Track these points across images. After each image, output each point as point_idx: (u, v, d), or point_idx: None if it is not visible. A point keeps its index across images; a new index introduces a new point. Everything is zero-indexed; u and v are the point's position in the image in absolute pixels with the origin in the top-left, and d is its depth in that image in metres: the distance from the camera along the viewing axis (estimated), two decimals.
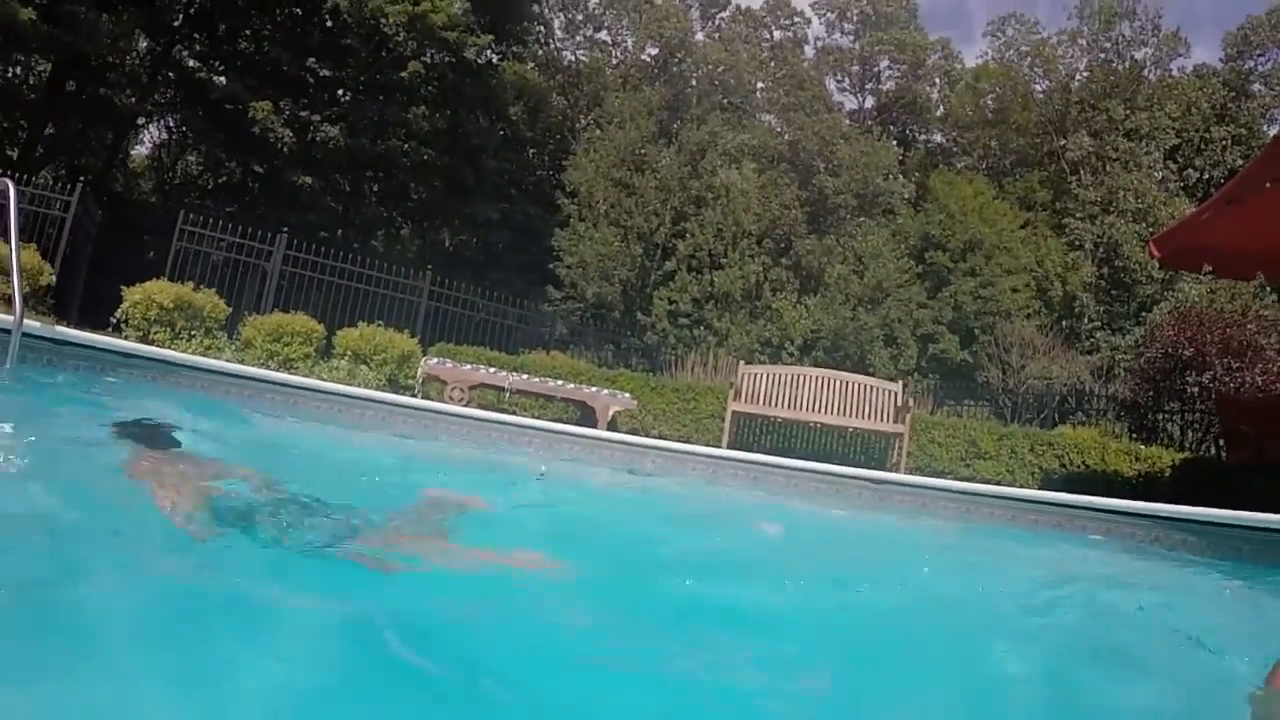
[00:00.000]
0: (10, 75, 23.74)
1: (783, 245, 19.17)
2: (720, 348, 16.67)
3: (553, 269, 19.52)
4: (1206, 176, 21.56)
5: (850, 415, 9.87)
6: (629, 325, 18.99)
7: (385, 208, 24.34)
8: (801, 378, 10.48)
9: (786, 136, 21.87)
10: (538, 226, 21.95)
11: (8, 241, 4.43)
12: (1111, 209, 19.62)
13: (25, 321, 4.70)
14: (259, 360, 11.25)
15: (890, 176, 21.16)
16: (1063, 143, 21.43)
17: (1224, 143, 21.69)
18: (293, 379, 7.96)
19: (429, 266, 15.09)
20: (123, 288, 11.27)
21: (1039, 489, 7.94)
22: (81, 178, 20.69)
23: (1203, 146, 21.92)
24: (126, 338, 10.63)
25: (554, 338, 18.59)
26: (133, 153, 28.29)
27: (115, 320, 11.01)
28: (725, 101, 22.69)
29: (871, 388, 10.23)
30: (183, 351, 10.47)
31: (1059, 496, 5.80)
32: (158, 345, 10.44)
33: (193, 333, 11.31)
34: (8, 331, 4.49)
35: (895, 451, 9.35)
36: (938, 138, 26.38)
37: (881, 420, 9.69)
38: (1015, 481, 8.91)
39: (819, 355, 17.00)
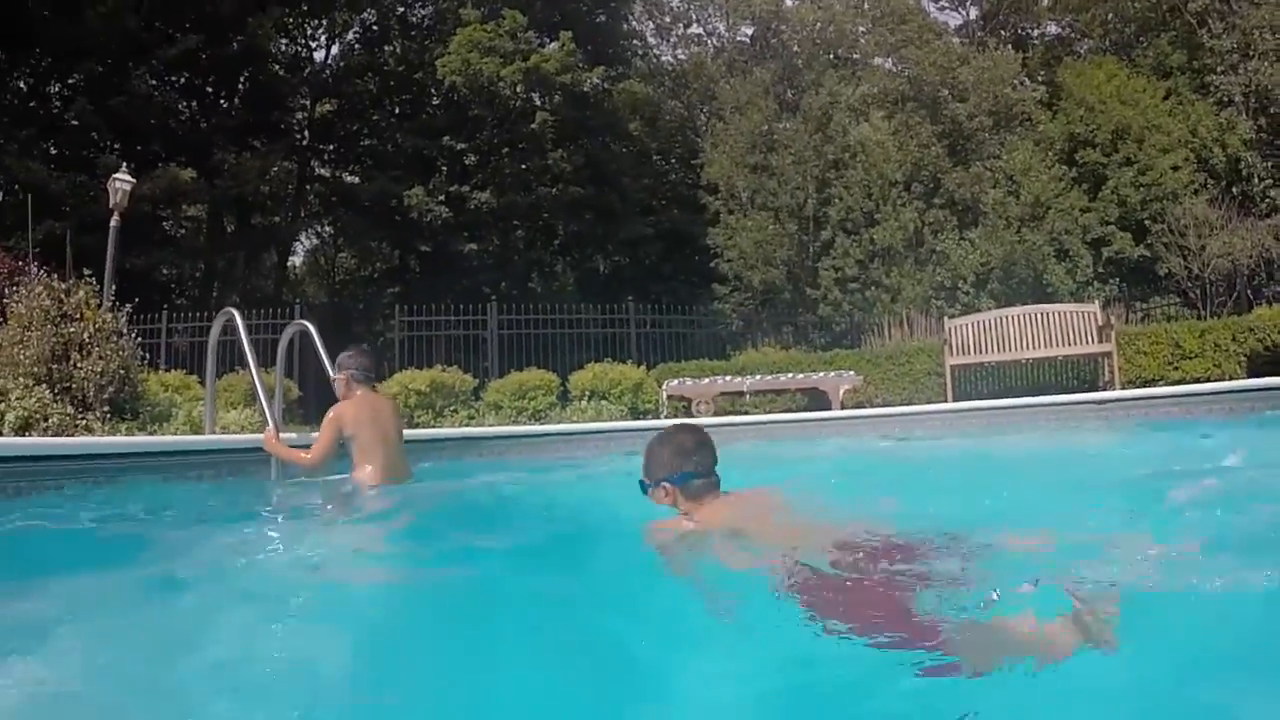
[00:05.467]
0: (181, 230, 27.43)
1: (931, 186, 20.17)
2: (895, 303, 17.98)
3: (714, 266, 21.34)
4: None
5: (1056, 345, 11.61)
6: (800, 302, 20.57)
7: (535, 251, 27.05)
8: (1004, 319, 12.24)
9: (905, 74, 22.98)
10: (685, 230, 24.10)
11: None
12: (1251, 53, 19.80)
13: None
14: (510, 418, 13.56)
15: (1018, 84, 22.16)
16: None
17: None
18: (603, 426, 10.20)
19: (631, 299, 17.35)
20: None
21: (1246, 376, 9.47)
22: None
23: None
24: None
25: (731, 332, 20.55)
26: (290, 263, 31.82)
27: None
28: (834, 58, 24.13)
29: (1071, 313, 11.89)
30: (450, 426, 12.92)
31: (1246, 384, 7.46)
32: (424, 427, 12.90)
33: (454, 409, 13.67)
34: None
35: (1106, 369, 11.06)
36: (1052, 29, 27.00)
37: (1087, 343, 11.40)
38: (1223, 374, 10.45)
39: (994, 287, 17.95)
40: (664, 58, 28.75)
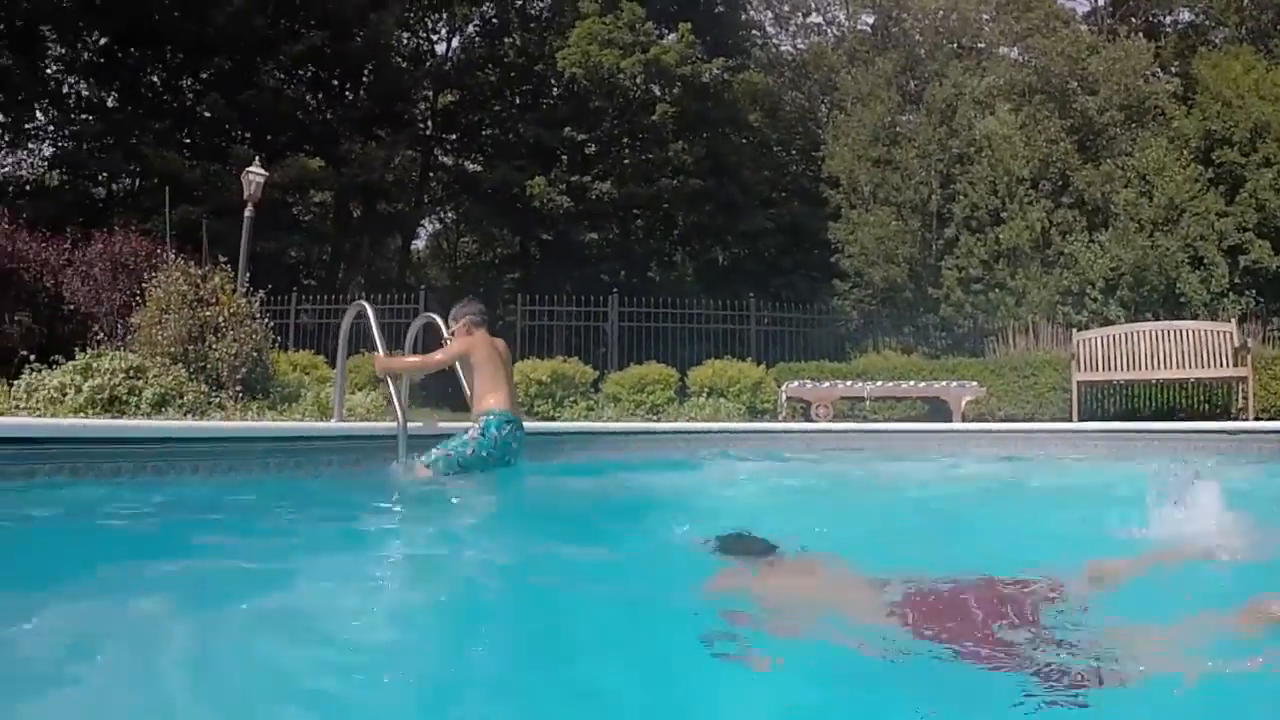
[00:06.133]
0: (309, 215, 28.85)
1: (1059, 183, 19.85)
2: (1020, 306, 17.66)
3: (834, 261, 21.35)
4: None
5: (1189, 366, 11.61)
6: (921, 302, 20.32)
7: (654, 241, 27.69)
8: (1135, 334, 12.23)
9: (1032, 65, 22.51)
10: (806, 224, 24.30)
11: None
12: None
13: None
14: (628, 411, 13.89)
15: (1150, 76, 21.57)
16: None
17: None
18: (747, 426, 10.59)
19: (752, 295, 17.75)
20: None
21: None
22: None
23: None
24: None
25: (850, 330, 20.58)
26: (413, 247, 33.19)
27: None
28: (958, 48, 23.86)
29: (1205, 332, 11.79)
30: (569, 419, 13.36)
31: None
32: (543, 417, 13.27)
33: (573, 400, 13.96)
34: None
35: (1240, 395, 11.04)
36: (1185, 15, 26.19)
37: (1221, 366, 11.38)
38: None
39: (1124, 294, 17.46)
40: (783, 47, 29.02)
